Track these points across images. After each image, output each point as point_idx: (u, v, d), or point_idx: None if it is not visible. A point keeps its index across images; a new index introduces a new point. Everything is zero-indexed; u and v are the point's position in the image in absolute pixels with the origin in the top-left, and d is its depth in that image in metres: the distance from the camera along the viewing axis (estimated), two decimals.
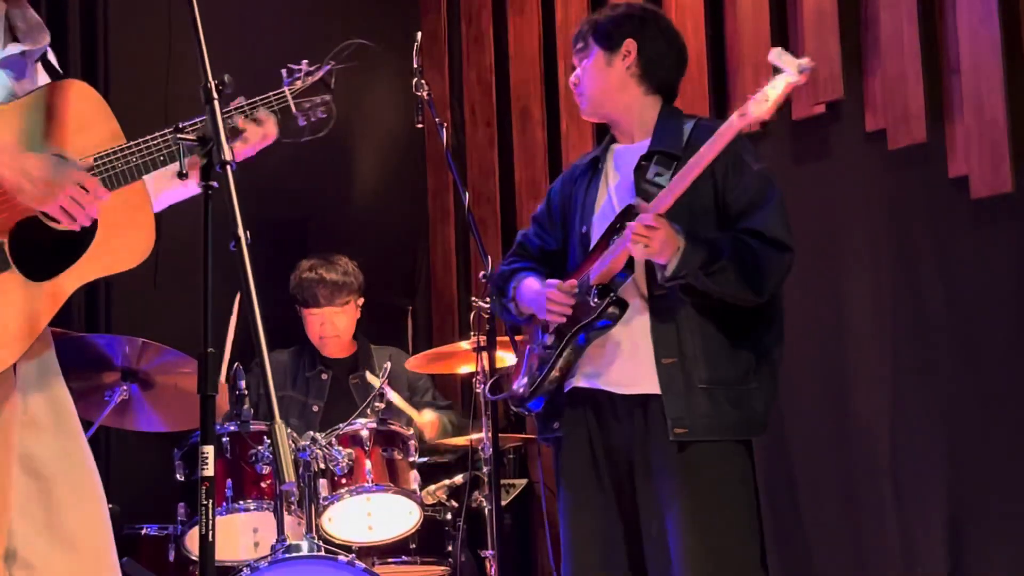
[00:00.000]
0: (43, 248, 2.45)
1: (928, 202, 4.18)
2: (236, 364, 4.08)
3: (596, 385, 3.23)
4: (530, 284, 3.37)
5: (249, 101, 2.69)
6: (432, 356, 4.81)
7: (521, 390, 3.35)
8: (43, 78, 2.66)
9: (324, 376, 5.01)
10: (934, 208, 4.19)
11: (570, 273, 3.29)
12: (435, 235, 6.07)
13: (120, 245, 2.54)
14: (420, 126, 4.11)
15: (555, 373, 3.24)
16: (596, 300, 3.16)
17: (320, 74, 2.80)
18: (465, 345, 4.48)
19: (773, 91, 2.99)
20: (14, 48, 2.60)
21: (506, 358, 4.23)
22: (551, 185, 3.60)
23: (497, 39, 5.86)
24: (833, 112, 4.55)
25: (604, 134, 3.50)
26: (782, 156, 4.55)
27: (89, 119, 2.55)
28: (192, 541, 4.14)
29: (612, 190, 3.36)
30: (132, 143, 2.52)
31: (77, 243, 2.48)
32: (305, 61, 2.82)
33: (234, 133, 2.65)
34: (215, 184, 2.16)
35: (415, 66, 4.11)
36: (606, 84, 3.33)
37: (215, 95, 2.20)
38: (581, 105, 3.44)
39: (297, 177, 5.34)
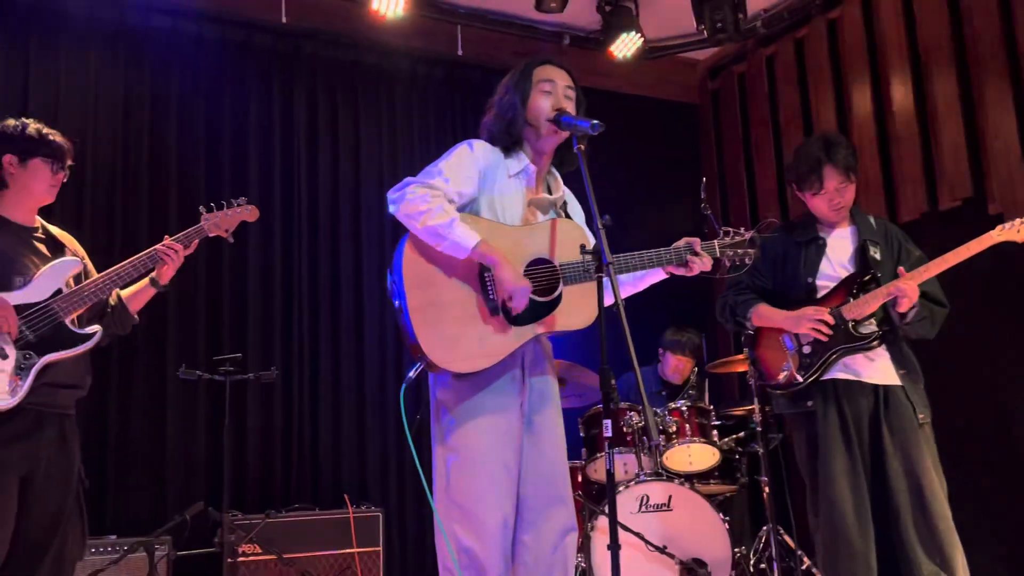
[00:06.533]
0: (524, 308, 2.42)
1: None
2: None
3: (850, 376, 3.12)
4: (768, 308, 3.26)
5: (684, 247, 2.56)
6: (720, 363, 4.80)
7: (786, 380, 3.16)
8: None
9: (663, 393, 5.04)
10: None
11: (801, 307, 3.18)
12: (717, 295, 5.50)
13: (573, 315, 2.48)
14: (706, 232, 3.91)
15: (817, 372, 3.13)
16: (861, 332, 3.09)
17: (747, 235, 2.65)
18: (739, 356, 4.53)
19: None
20: (547, 195, 2.62)
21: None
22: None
23: (749, 177, 6.00)
24: (966, 204, 4.62)
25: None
26: (933, 233, 4.52)
27: (572, 243, 2.49)
28: (592, 471, 4.34)
29: (833, 259, 3.23)
30: (572, 261, 2.48)
31: (546, 309, 2.46)
32: (742, 228, 2.67)
33: (683, 266, 2.55)
34: (604, 276, 2.25)
35: (702, 196, 3.74)
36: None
37: (601, 227, 2.25)
38: (842, 216, 3.25)
39: None
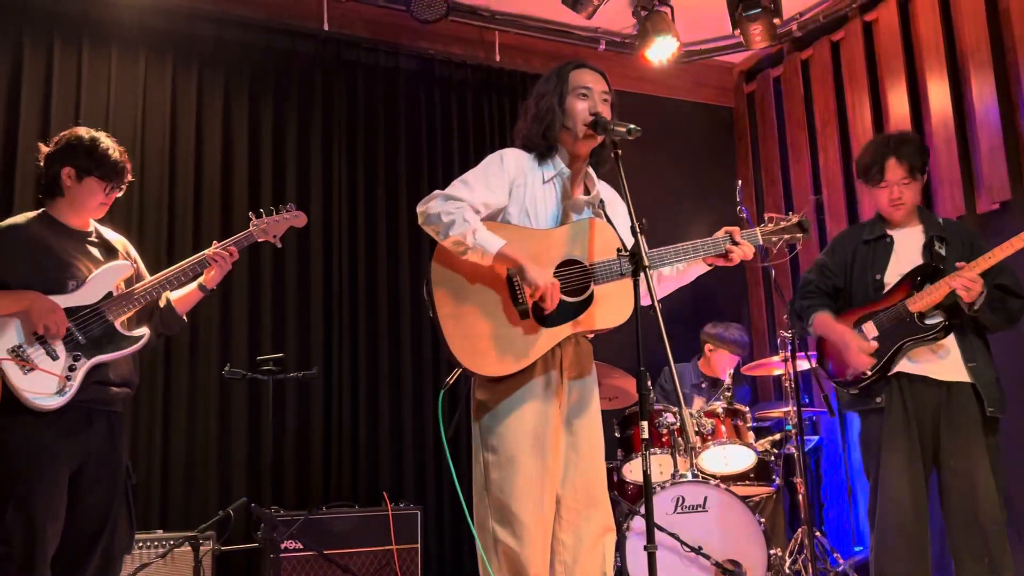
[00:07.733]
0: (554, 310, 2.41)
1: None
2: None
3: (916, 372, 3.12)
4: (825, 318, 3.28)
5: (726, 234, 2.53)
6: (755, 364, 4.88)
7: (853, 375, 3.18)
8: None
9: (703, 385, 5.10)
10: None
11: (868, 303, 3.22)
12: (752, 296, 6.12)
13: (605, 314, 2.44)
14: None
15: (884, 366, 3.14)
16: (927, 323, 3.09)
17: (794, 219, 2.62)
18: (775, 358, 4.59)
19: None
20: (583, 196, 2.59)
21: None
22: (830, 248, 3.45)
23: (784, 180, 5.97)
24: (1004, 207, 4.58)
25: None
26: None
27: (603, 243, 2.45)
28: (627, 471, 4.30)
29: (900, 255, 3.24)
30: (607, 259, 2.43)
31: (578, 310, 2.44)
32: (789, 213, 2.67)
33: (722, 256, 2.52)
34: (640, 277, 2.25)
35: (738, 199, 4.12)
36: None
37: (639, 229, 2.26)
38: (900, 212, 3.26)
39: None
